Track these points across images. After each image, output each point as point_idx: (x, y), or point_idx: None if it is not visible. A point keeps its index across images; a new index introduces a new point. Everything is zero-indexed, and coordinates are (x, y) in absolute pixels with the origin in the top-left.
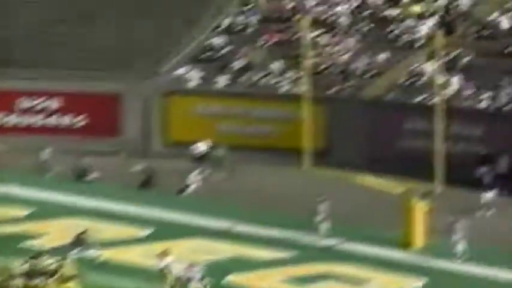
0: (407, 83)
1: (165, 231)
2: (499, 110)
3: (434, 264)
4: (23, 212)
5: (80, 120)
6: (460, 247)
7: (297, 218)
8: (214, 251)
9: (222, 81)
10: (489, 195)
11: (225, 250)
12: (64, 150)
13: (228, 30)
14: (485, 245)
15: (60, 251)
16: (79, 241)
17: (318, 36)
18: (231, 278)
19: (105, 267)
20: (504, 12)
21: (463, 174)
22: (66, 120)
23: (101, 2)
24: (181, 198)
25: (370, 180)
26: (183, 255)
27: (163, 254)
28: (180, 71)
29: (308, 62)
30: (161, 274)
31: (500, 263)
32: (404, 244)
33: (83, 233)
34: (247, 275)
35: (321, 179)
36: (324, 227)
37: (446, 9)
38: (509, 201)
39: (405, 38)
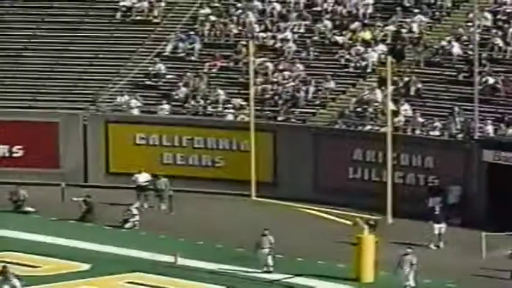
0: (357, 110)
1: (104, 266)
2: (451, 139)
3: None
4: None
5: (17, 151)
6: (409, 281)
7: (242, 251)
8: (156, 286)
9: (164, 109)
10: (440, 226)
11: (166, 286)
12: (1, 182)
13: (171, 57)
14: (435, 277)
15: None
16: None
17: (264, 62)
18: None
19: None
20: (455, 38)
21: (413, 205)
22: (3, 150)
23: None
24: (122, 231)
25: (319, 212)
26: None
27: None
28: (121, 98)
29: (253, 89)
30: None
31: None
32: (354, 278)
33: (4, 268)
34: None
35: (268, 211)
36: (270, 260)
37: (396, 35)
38: (460, 232)
39: (354, 64)
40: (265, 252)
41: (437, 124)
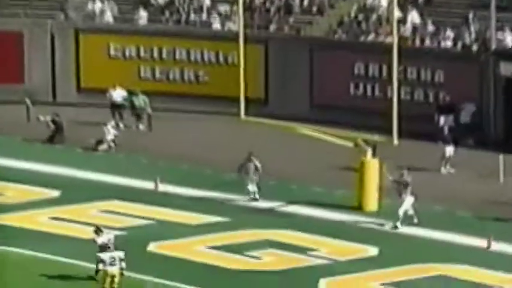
0: (358, 19)
1: (76, 193)
2: (464, 50)
3: (390, 230)
4: None
5: None
6: (408, 209)
7: (229, 176)
8: (133, 215)
9: (142, 17)
10: (451, 148)
11: (145, 214)
12: None
13: None
14: (446, 205)
15: None
16: None
17: None
18: (153, 246)
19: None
20: None
21: (422, 125)
22: None
23: None
24: (95, 153)
25: (315, 132)
26: (96, 221)
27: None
28: (93, 5)
29: None
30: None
31: (454, 227)
32: (355, 206)
33: None
34: (172, 243)
35: (258, 131)
36: (254, 187)
37: None
38: (474, 155)
39: None
40: (250, 178)
41: (449, 33)
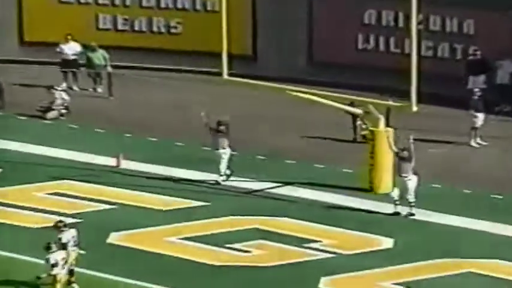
0: None
1: (19, 172)
2: None
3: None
4: None
5: None
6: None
7: (208, 151)
8: (89, 199)
9: None
10: (481, 116)
11: (105, 198)
12: None
13: None
14: (475, 186)
15: None
16: None
17: None
18: (114, 238)
19: None
20: None
21: (447, 87)
22: None
23: None
24: (43, 122)
25: (315, 96)
26: (43, 205)
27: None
28: None
29: None
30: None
31: (487, 214)
32: (365, 188)
33: None
34: (138, 233)
35: (245, 95)
36: (223, 165)
37: None
38: (508, 126)
39: None
40: (221, 154)
41: None
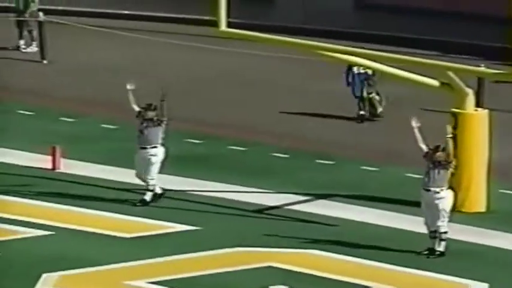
0: None
1: None
2: None
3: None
4: None
5: None
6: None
7: (194, 143)
8: (11, 221)
9: None
10: None
11: (34, 219)
12: None
13: None
14: None
15: None
16: None
17: None
18: (46, 281)
19: None
20: None
21: None
22: None
23: None
24: None
25: (363, 58)
26: None
27: None
28: None
29: None
30: None
31: None
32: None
33: None
34: (84, 274)
35: (251, 56)
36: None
37: None
38: None
39: None
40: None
41: None
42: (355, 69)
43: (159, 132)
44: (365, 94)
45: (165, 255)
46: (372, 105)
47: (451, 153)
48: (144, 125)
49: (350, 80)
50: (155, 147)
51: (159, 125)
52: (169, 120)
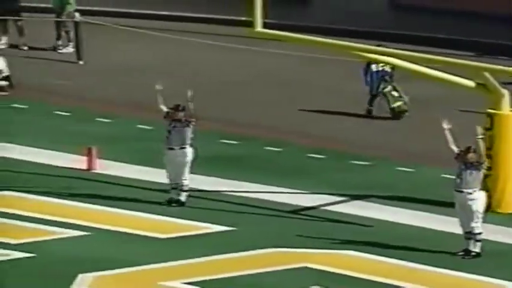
0: None
1: None
2: None
3: None
4: None
5: None
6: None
7: (228, 145)
8: (45, 221)
9: None
10: None
11: (70, 219)
12: None
13: None
14: None
15: None
16: None
17: None
18: (85, 281)
19: None
20: None
21: None
22: None
23: None
24: None
25: (399, 60)
26: None
27: None
28: None
29: None
30: None
31: None
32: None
33: None
34: (120, 275)
35: (287, 57)
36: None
37: None
38: None
39: None
40: (169, 159)
41: None
42: (373, 66)
43: (187, 133)
44: (386, 89)
45: (200, 256)
46: (387, 100)
47: (482, 154)
48: (172, 125)
49: (368, 78)
50: (184, 147)
51: (187, 125)
52: (198, 120)
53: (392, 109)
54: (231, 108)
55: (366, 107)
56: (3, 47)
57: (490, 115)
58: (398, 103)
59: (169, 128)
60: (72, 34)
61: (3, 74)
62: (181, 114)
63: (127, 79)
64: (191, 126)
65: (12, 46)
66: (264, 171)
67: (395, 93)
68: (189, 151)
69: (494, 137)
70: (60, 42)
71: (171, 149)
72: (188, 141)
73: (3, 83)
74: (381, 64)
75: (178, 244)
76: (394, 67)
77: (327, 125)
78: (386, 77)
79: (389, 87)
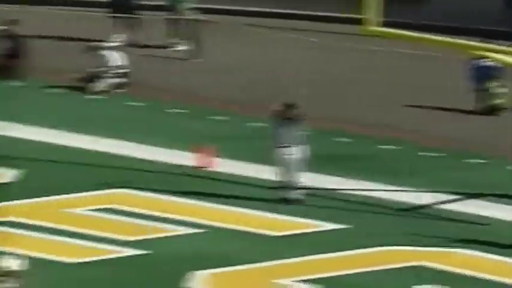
0: None
1: (43, 175)
2: None
3: None
4: None
5: None
6: None
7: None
8: (163, 219)
9: None
10: None
11: (186, 217)
12: None
13: None
14: None
15: None
16: None
17: None
18: (200, 278)
19: None
20: None
21: None
22: None
23: None
24: (85, 98)
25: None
26: (91, 228)
27: None
28: None
29: None
30: None
31: None
32: None
33: None
34: (235, 272)
35: (403, 57)
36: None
37: None
38: None
39: None
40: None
41: None
42: (481, 61)
43: (297, 131)
44: (492, 85)
45: (312, 254)
46: (491, 96)
47: None
48: (282, 124)
49: (474, 73)
50: (295, 146)
51: (298, 123)
52: (307, 119)
53: (494, 105)
54: (345, 107)
55: (476, 105)
56: (122, 44)
57: None
58: (501, 100)
59: (280, 126)
60: (187, 32)
61: (124, 70)
62: (292, 113)
63: (241, 77)
64: (302, 124)
65: (130, 44)
66: (377, 170)
67: (502, 90)
68: (300, 149)
69: None
70: (175, 40)
71: (282, 147)
72: (299, 139)
73: (122, 80)
74: (489, 60)
75: (291, 242)
76: (505, 64)
77: (438, 122)
78: (495, 73)
79: (496, 84)
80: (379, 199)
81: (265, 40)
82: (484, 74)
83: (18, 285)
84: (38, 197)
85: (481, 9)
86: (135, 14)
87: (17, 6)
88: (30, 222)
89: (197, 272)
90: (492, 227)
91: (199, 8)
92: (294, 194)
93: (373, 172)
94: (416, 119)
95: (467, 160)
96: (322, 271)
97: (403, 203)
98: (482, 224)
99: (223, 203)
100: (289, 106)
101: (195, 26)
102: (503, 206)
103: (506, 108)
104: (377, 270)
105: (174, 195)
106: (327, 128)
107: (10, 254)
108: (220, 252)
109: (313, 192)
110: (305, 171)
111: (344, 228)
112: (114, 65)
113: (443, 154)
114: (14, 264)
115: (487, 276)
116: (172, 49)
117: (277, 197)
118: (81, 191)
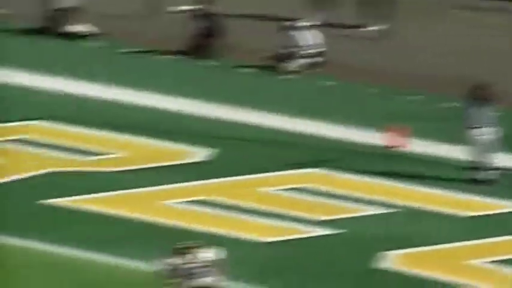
0: None
1: (235, 156)
2: None
3: None
4: None
5: None
6: None
7: None
8: (356, 199)
9: None
10: None
11: (380, 197)
12: None
13: None
14: None
15: None
16: None
17: None
18: (393, 259)
19: None
20: None
21: None
22: None
23: None
24: (280, 78)
25: None
26: (282, 205)
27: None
28: None
29: None
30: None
31: None
32: None
33: None
34: (427, 253)
35: None
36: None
37: None
38: None
39: None
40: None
41: None
42: None
43: (488, 112)
44: None
45: (504, 235)
46: None
47: None
48: (475, 104)
49: None
50: (487, 126)
51: (489, 104)
52: (501, 99)
53: None
54: None
55: None
56: (316, 23)
57: None
58: None
59: (472, 106)
60: (380, 12)
61: (317, 50)
62: (485, 93)
63: (434, 57)
64: (493, 105)
65: (323, 24)
66: None
67: None
68: (493, 130)
69: None
70: (367, 20)
71: (474, 127)
72: (491, 120)
73: (316, 59)
74: None
75: (483, 222)
76: None
77: None
78: None
79: None
80: None
81: (458, 20)
82: None
83: (220, 277)
84: (233, 176)
85: None
86: None
87: None
88: (228, 201)
89: (389, 252)
90: None
91: None
92: (486, 175)
93: None
94: None
95: None
96: None
97: None
98: None
99: (415, 183)
100: (482, 86)
101: (389, 6)
102: None
103: None
104: None
105: (366, 175)
106: None
107: (204, 245)
108: (412, 232)
109: (506, 173)
110: (497, 152)
111: None
112: (305, 44)
113: None
114: (211, 255)
115: None
116: (364, 29)
117: (469, 178)
118: (274, 170)
